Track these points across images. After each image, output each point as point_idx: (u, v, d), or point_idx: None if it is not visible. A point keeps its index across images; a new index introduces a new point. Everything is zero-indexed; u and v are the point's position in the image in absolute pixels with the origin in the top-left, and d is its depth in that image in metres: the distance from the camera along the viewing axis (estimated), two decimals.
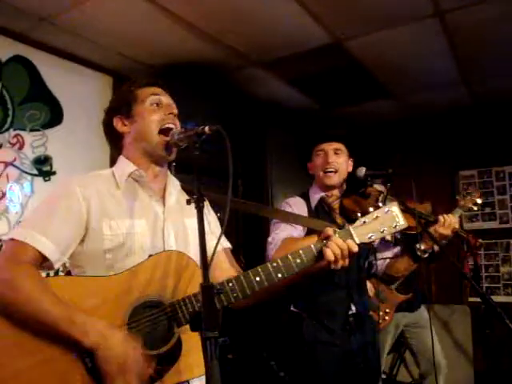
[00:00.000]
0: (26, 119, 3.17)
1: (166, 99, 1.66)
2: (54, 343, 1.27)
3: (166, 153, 1.57)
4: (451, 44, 3.42)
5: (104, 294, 1.35)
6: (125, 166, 1.59)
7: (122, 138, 1.65)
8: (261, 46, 3.40)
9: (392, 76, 4.00)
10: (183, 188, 1.70)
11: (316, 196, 2.40)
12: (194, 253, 1.50)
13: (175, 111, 1.64)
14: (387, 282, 2.72)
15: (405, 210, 2.16)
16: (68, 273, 1.71)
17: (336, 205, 2.37)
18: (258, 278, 1.41)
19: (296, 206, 2.34)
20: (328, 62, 3.69)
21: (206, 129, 1.32)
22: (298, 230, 2.24)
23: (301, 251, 1.48)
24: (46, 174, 3.23)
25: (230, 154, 1.26)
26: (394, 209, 1.56)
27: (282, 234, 2.22)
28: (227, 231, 1.36)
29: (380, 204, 1.60)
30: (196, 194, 1.25)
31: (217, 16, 2.98)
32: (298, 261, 1.46)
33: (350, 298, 2.24)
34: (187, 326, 1.32)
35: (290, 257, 1.46)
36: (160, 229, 1.53)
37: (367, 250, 2.36)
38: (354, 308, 2.24)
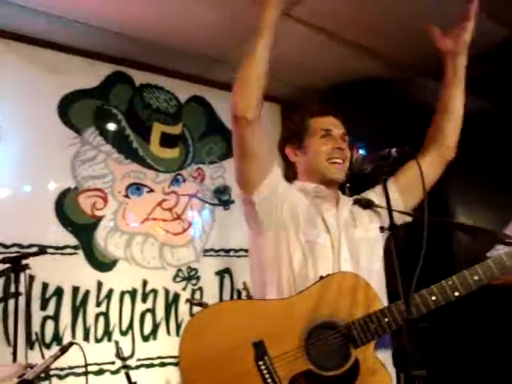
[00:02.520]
0: (205, 153, 3.40)
1: (336, 131, 1.67)
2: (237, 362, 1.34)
3: (337, 176, 1.62)
4: None
5: (280, 317, 1.40)
6: (305, 185, 1.66)
7: (294, 164, 1.72)
8: (426, 55, 3.21)
9: None
10: (355, 201, 1.70)
11: None
12: (366, 265, 1.53)
13: (343, 145, 1.64)
14: None
15: None
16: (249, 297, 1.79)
17: None
18: (433, 298, 1.38)
19: None
20: (507, 60, 3.34)
21: (393, 151, 1.28)
22: None
23: (478, 268, 1.42)
24: (226, 203, 3.41)
25: (422, 176, 1.20)
26: None
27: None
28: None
29: None
30: (391, 225, 1.21)
31: (376, 30, 2.90)
32: (476, 278, 1.40)
33: None
34: (363, 347, 1.35)
35: (467, 273, 1.41)
36: (336, 241, 1.55)
37: None
38: None
